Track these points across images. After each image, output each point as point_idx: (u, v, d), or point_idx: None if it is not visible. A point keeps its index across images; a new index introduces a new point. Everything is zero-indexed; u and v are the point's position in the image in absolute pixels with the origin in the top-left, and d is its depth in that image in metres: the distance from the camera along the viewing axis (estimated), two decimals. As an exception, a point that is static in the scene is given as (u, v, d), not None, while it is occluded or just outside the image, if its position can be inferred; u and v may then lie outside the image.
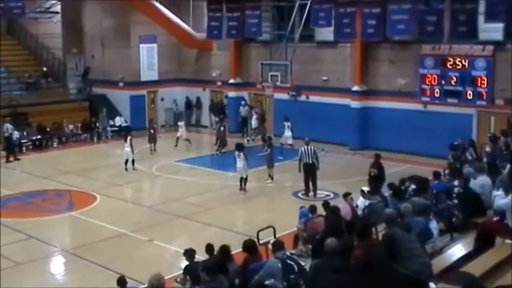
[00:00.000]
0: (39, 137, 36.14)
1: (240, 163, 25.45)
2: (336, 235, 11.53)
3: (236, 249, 12.66)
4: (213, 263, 11.05)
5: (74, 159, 33.62)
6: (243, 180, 25.67)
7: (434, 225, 13.20)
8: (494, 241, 11.77)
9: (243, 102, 38.69)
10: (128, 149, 29.69)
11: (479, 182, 15.35)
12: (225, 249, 12.17)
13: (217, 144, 33.22)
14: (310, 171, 24.75)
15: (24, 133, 35.67)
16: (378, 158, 23.30)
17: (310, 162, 24.55)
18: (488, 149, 24.14)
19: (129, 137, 30.21)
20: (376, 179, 22.04)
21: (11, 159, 32.47)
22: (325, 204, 16.76)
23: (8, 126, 34.21)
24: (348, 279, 9.08)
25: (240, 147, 26.21)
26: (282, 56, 33.88)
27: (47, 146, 36.13)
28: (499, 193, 13.63)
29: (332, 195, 23.46)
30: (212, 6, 32.75)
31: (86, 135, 38.37)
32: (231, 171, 28.70)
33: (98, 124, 38.65)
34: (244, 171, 25.60)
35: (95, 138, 38.30)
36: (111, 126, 39.44)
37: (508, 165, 17.79)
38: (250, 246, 12.31)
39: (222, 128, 33.74)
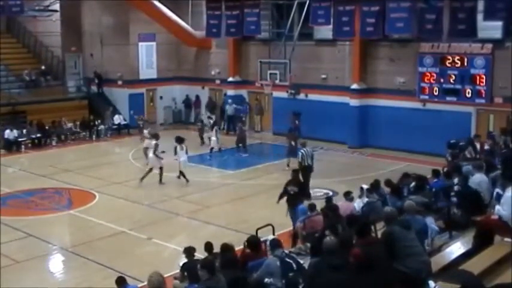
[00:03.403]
0: (38, 135, 36.02)
1: (182, 157, 26.71)
2: (335, 233, 11.69)
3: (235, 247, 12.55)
4: (212, 260, 10.98)
5: (73, 157, 33.48)
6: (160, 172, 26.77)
7: (433, 223, 13.13)
8: (493, 239, 11.71)
9: (229, 100, 38.65)
10: (214, 138, 30.88)
11: (476, 179, 15.22)
12: (227, 248, 12.07)
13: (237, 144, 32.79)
14: (309, 173, 24.29)
15: (24, 131, 35.66)
16: (297, 174, 21.09)
17: (310, 164, 24.21)
18: (487, 146, 24.23)
19: (215, 128, 32.59)
20: (297, 196, 19.78)
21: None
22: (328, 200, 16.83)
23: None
24: (347, 278, 9.00)
25: (179, 140, 27.05)
26: (281, 54, 33.76)
27: (46, 144, 36.04)
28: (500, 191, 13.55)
29: (331, 193, 23.26)
30: (211, 4, 32.73)
31: (84, 133, 38.23)
32: (230, 170, 29.06)
33: (97, 122, 38.52)
34: (158, 163, 26.89)
35: (94, 136, 38.15)
36: (112, 124, 39.50)
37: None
38: (253, 243, 12.33)
39: (243, 128, 33.55)
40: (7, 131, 34.76)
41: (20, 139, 35.07)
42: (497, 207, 12.79)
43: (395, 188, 16.46)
